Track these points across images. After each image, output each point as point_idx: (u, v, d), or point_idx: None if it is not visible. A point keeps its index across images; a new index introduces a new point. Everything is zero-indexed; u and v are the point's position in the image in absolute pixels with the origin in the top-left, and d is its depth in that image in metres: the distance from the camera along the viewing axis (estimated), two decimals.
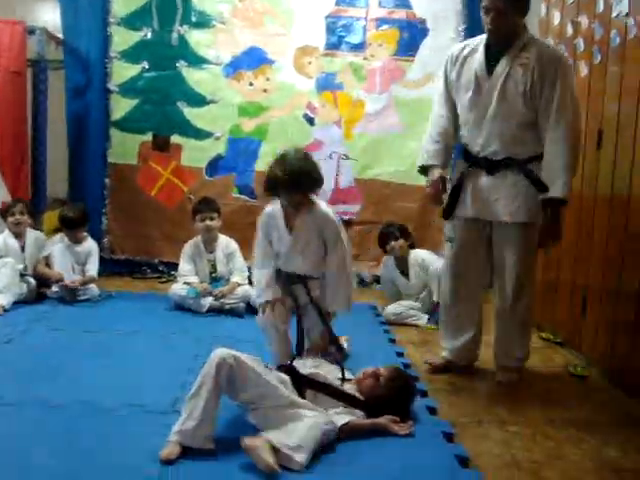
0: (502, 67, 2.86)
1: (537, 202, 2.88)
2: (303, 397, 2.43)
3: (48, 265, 4.55)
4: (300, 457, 2.10)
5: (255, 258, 3.07)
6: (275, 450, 2.10)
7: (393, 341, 3.72)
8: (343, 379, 2.64)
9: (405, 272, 4.38)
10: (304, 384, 2.50)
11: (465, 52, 3.01)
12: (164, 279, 5.30)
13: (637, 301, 2.97)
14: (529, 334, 3.19)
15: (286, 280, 3.02)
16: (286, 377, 2.48)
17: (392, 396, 2.53)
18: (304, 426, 2.19)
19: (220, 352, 2.29)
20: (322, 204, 2.97)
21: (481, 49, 2.95)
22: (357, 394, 2.56)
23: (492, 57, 2.90)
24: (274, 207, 2.97)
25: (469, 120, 3.00)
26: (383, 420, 2.45)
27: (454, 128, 3.11)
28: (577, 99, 2.90)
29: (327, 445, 2.25)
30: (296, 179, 2.76)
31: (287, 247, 2.95)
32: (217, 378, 2.23)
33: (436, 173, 3.08)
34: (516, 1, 2.78)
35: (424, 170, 3.17)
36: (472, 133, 3.00)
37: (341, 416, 2.40)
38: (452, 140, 3.15)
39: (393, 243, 4.34)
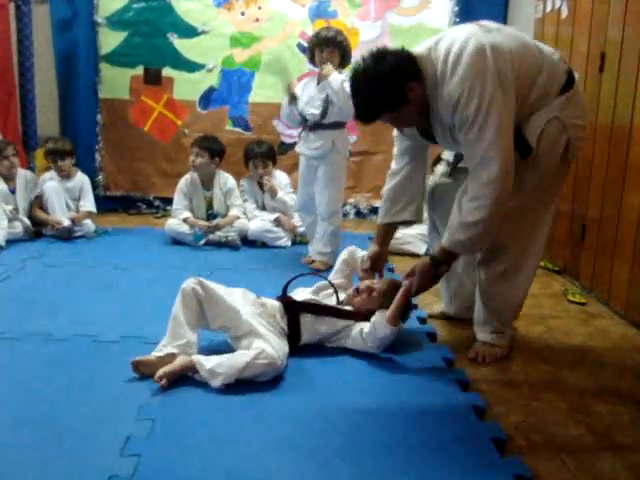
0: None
1: None
2: (298, 325, 2.45)
3: (41, 207, 4.48)
4: (214, 383, 2.13)
5: None
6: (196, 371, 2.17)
7: (392, 270, 3.72)
8: (339, 303, 2.63)
9: None
10: (299, 309, 2.50)
11: None
12: (159, 214, 5.29)
13: (637, 228, 2.95)
14: None
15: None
16: (275, 304, 2.49)
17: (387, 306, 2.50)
18: (233, 355, 2.20)
19: (186, 281, 2.37)
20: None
21: None
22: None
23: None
24: None
25: None
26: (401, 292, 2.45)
27: None
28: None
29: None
30: None
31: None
32: (186, 303, 2.32)
33: None
34: (387, 107, 2.30)
35: None
36: None
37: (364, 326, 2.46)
38: None
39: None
